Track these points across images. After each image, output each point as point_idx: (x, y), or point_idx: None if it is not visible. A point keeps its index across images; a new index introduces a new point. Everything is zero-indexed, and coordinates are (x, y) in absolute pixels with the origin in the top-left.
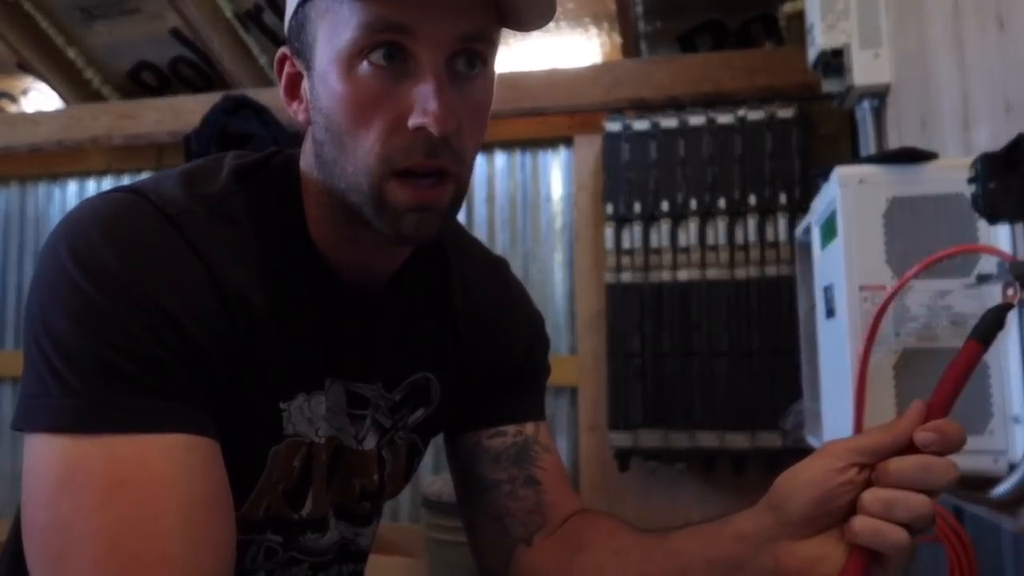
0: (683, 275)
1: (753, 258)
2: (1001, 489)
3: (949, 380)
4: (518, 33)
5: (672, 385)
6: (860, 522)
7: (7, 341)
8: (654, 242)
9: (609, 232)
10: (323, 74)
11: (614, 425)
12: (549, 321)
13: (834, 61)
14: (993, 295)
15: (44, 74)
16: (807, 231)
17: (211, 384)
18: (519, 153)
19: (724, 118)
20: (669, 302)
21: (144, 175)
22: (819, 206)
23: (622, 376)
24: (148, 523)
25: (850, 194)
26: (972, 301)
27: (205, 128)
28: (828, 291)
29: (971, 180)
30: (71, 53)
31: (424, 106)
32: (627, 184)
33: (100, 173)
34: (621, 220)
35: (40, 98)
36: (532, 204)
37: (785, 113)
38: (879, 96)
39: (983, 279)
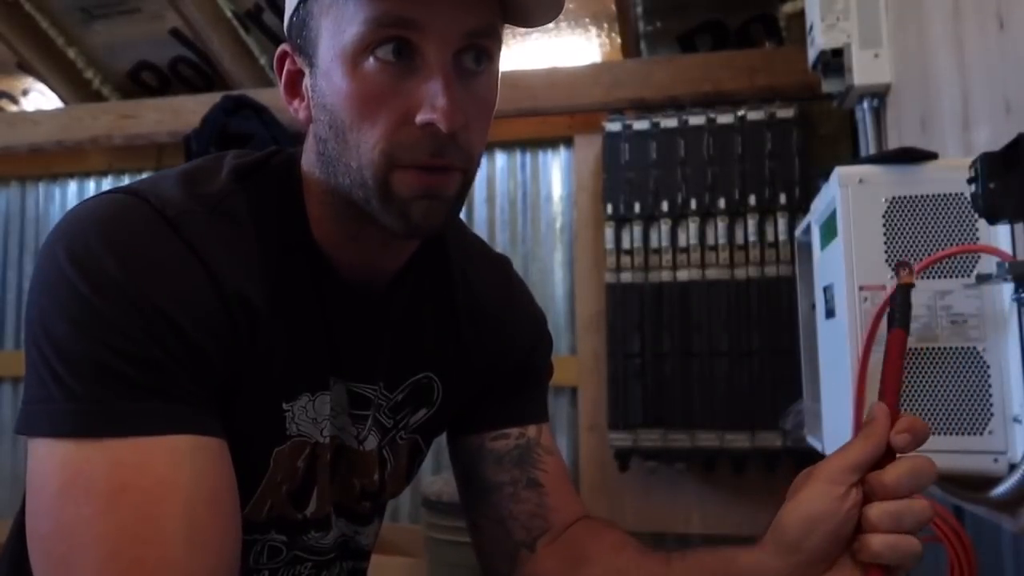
0: (683, 275)
1: (753, 258)
2: (1001, 489)
3: (891, 374)
4: (518, 33)
5: (672, 385)
6: (877, 541)
7: (7, 341)
8: (654, 242)
9: (609, 232)
10: (327, 70)
11: (614, 425)
12: (549, 321)
13: (834, 61)
14: (993, 295)
15: (44, 74)
16: (807, 231)
17: (213, 385)
18: (519, 153)
19: (724, 118)
20: (669, 302)
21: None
22: (819, 206)
23: (622, 376)
24: (150, 527)
25: (850, 194)
26: (972, 301)
27: (205, 128)
28: (828, 291)
29: (971, 180)
30: (71, 53)
31: (433, 102)
32: (627, 184)
33: (100, 173)
34: (621, 220)
35: (40, 98)
36: (532, 204)
37: (785, 113)
38: (879, 96)
39: (983, 279)
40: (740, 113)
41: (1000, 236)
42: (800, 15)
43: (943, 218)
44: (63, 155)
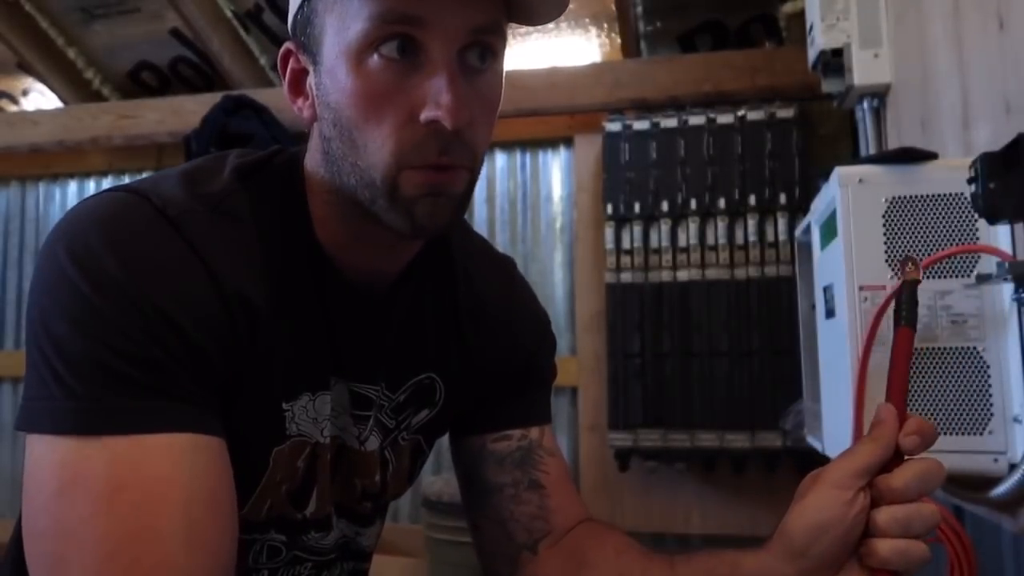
0: (683, 275)
1: (753, 258)
2: (1001, 489)
3: (898, 373)
4: (518, 33)
5: (672, 385)
6: (885, 547)
7: (7, 341)
8: (654, 242)
9: (609, 232)
10: (331, 68)
11: (614, 425)
12: (550, 321)
13: (834, 61)
14: (993, 295)
15: (44, 74)
16: (807, 231)
17: (213, 385)
18: (519, 153)
19: (724, 118)
20: (669, 302)
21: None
22: (819, 206)
23: (622, 376)
24: (147, 526)
25: (850, 194)
26: (972, 301)
27: (205, 128)
28: (828, 291)
29: (971, 180)
30: (71, 53)
31: (437, 99)
32: (627, 184)
33: (100, 173)
34: (621, 220)
35: (40, 98)
36: (532, 204)
37: (785, 113)
38: (879, 96)
39: (983, 279)
40: (740, 113)
41: (1000, 236)
42: (800, 15)
43: (943, 218)
44: (63, 155)
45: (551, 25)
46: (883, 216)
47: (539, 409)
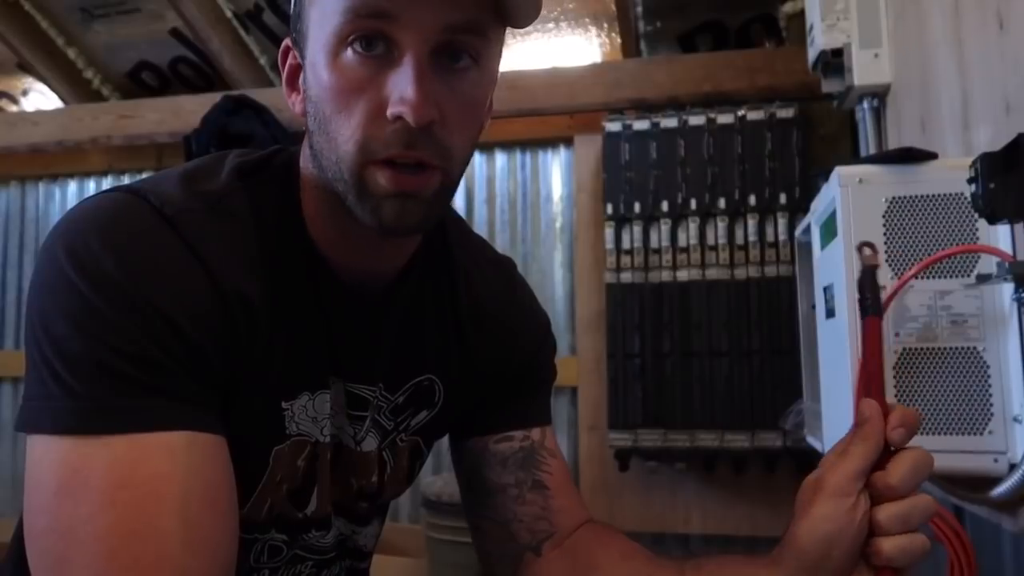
0: (683, 275)
1: (753, 258)
2: (1001, 489)
3: (874, 367)
4: (518, 33)
5: (672, 385)
6: (889, 545)
7: (7, 341)
8: (654, 242)
9: (609, 232)
10: (313, 63)
11: (614, 425)
12: (550, 322)
13: (834, 61)
14: (993, 295)
15: (44, 74)
16: (807, 231)
17: (212, 383)
18: (519, 153)
19: (724, 118)
20: (669, 302)
21: (144, 175)
22: (819, 206)
23: (622, 376)
24: (146, 525)
25: (850, 194)
26: (972, 301)
27: (205, 128)
28: (828, 291)
29: (971, 180)
30: (71, 53)
31: (401, 95)
32: (627, 184)
33: (100, 173)
34: (621, 220)
35: (40, 98)
36: (532, 204)
37: (785, 113)
38: (879, 96)
39: (983, 279)
40: (740, 113)
41: (1000, 236)
42: (800, 15)
43: (943, 218)
44: (63, 155)
45: (551, 25)
46: (883, 216)
47: (540, 410)
